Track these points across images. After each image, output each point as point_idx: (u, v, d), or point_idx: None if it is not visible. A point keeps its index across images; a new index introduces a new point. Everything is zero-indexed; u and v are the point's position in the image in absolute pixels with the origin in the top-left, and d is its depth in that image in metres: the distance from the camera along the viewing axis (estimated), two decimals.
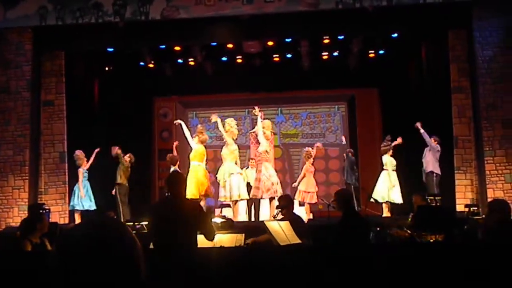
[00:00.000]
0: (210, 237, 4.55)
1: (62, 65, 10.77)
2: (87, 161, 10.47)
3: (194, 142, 9.77)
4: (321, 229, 7.33)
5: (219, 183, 9.73)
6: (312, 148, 10.88)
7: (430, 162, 10.05)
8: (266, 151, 9.66)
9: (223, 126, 9.66)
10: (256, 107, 9.85)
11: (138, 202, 11.62)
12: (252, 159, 11.35)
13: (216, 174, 9.86)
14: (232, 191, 9.39)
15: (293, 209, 6.56)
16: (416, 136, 10.72)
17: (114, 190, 10.59)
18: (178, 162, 10.76)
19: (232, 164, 9.61)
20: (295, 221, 6.08)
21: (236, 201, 9.56)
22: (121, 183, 10.59)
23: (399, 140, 10.27)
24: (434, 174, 10.00)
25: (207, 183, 9.63)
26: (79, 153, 10.46)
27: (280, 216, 6.36)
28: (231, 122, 9.82)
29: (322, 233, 6.80)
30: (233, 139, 9.72)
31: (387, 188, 10.17)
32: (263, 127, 9.76)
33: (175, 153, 11.08)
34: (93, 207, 10.39)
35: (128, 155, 10.72)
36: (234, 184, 9.44)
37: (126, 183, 10.65)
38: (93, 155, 10.52)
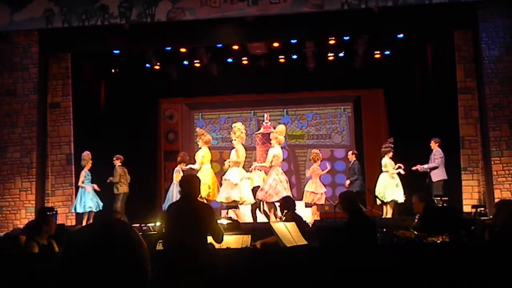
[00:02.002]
0: (218, 240, 4.60)
1: (68, 67, 10.83)
2: (92, 164, 10.59)
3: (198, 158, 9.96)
4: (328, 230, 7.32)
5: (221, 184, 9.77)
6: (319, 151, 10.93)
7: (439, 172, 10.02)
8: (277, 156, 9.66)
9: (233, 133, 9.76)
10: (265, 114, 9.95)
11: (144, 204, 11.66)
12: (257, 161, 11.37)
13: (223, 175, 9.88)
14: (242, 195, 9.46)
15: (295, 210, 6.61)
16: (419, 138, 10.72)
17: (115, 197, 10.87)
18: (186, 163, 10.78)
19: (241, 168, 9.68)
20: (298, 222, 6.10)
21: (242, 203, 9.62)
22: (118, 193, 10.81)
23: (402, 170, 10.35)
24: (442, 181, 10.01)
25: (213, 186, 9.68)
26: (86, 154, 10.53)
27: (284, 218, 6.39)
28: (241, 127, 9.88)
29: (328, 234, 6.80)
30: (242, 144, 9.80)
31: (388, 189, 10.23)
32: (277, 132, 9.81)
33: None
34: (98, 207, 10.42)
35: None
36: (244, 188, 9.52)
37: (123, 191, 10.84)
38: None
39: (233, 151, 9.82)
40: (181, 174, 10.67)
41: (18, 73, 10.26)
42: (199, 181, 4.83)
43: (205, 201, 9.08)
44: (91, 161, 10.56)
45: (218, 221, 4.78)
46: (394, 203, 10.30)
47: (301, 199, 10.60)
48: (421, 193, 7.19)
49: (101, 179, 10.77)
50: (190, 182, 4.72)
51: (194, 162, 10.20)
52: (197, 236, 4.38)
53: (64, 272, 1.24)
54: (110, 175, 10.87)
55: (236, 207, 9.74)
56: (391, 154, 10.42)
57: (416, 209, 6.70)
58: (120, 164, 10.95)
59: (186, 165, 10.52)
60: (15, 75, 10.27)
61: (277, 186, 9.41)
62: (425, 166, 10.12)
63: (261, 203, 9.87)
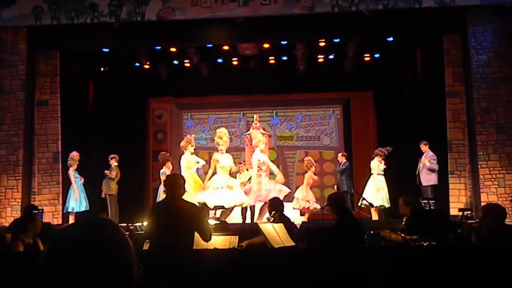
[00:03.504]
0: (206, 238, 4.57)
1: (56, 65, 10.73)
2: (78, 165, 10.51)
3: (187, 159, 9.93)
4: (316, 232, 7.32)
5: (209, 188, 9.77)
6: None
7: (432, 176, 10.04)
8: (263, 162, 9.83)
9: (220, 138, 9.72)
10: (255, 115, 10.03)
11: (131, 204, 11.59)
12: (242, 163, 11.41)
13: (208, 181, 9.83)
14: (230, 199, 9.46)
15: (283, 211, 6.62)
16: (408, 141, 10.77)
17: (105, 198, 10.74)
18: (169, 162, 10.72)
19: (227, 175, 9.67)
20: (286, 223, 6.10)
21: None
22: (111, 194, 10.72)
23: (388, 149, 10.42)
24: (433, 186, 10.04)
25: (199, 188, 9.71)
26: (76, 155, 10.44)
27: (272, 219, 6.38)
28: (226, 132, 9.96)
29: (316, 236, 6.79)
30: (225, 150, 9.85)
31: (374, 192, 10.27)
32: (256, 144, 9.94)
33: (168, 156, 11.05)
34: (87, 208, 10.40)
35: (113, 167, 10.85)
36: (233, 192, 9.54)
37: (115, 192, 10.75)
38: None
39: (219, 155, 9.76)
40: None
41: (6, 69, 10.17)
42: (184, 180, 4.80)
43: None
44: (77, 163, 10.49)
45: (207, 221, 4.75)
46: (379, 206, 10.35)
47: (289, 201, 10.61)
48: (407, 196, 7.17)
49: (88, 178, 10.70)
50: (174, 182, 4.68)
51: (179, 164, 10.14)
52: (182, 236, 4.36)
53: (49, 271, 1.22)
54: (98, 174, 10.79)
55: (223, 208, 9.72)
56: (381, 158, 10.46)
57: (402, 211, 6.71)
58: (116, 163, 10.86)
59: (166, 166, 10.49)
60: (3, 71, 10.17)
61: (272, 187, 9.53)
62: (428, 164, 10.06)
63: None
